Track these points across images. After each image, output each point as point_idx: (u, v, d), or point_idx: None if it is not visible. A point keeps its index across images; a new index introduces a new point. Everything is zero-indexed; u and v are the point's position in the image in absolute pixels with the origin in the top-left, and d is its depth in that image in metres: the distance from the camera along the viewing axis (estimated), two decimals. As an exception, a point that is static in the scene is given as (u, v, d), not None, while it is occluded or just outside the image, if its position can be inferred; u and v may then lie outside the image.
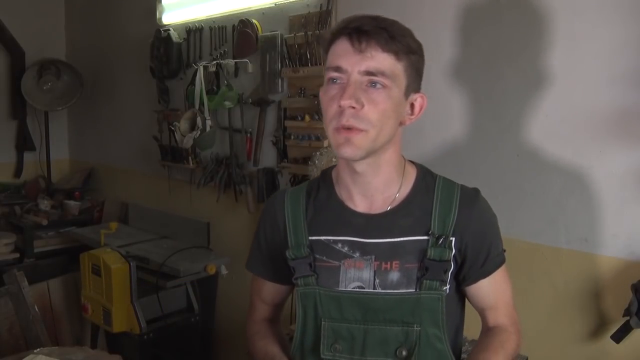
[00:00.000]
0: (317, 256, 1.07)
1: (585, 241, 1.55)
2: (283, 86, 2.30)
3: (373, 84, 0.95)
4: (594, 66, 1.50)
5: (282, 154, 2.34)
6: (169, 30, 2.77)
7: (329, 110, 0.97)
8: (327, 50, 1.00)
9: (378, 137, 0.97)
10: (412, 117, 1.03)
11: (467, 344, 1.47)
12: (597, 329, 1.55)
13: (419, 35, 1.01)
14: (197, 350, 2.58)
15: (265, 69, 2.32)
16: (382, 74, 0.94)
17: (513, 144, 1.67)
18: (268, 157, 2.43)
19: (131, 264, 2.31)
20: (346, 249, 1.05)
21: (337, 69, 0.96)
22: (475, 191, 1.08)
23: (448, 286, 1.04)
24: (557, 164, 1.59)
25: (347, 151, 0.96)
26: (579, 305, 1.58)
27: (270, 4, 2.33)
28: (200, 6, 2.65)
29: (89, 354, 1.45)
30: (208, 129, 2.47)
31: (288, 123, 2.28)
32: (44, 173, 3.70)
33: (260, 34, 2.36)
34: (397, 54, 0.95)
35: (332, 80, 0.98)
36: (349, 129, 0.95)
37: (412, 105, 1.03)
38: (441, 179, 1.09)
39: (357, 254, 1.04)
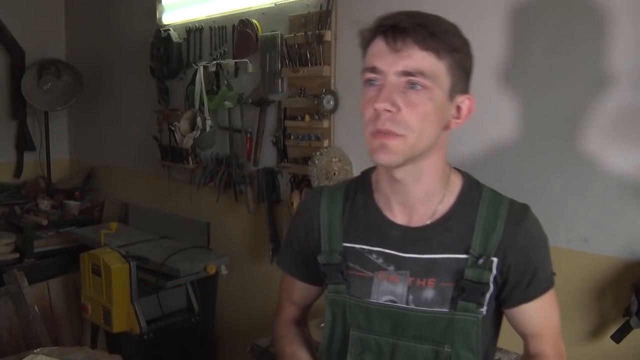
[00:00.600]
0: (350, 264, 1.02)
1: (585, 241, 1.55)
2: (283, 86, 2.30)
3: (412, 85, 0.87)
4: (594, 66, 1.50)
5: (282, 154, 2.34)
6: (169, 30, 2.77)
7: (365, 113, 0.91)
8: (365, 50, 0.94)
9: (418, 143, 0.89)
10: (459, 120, 0.95)
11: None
12: (597, 329, 1.55)
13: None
14: (197, 350, 2.58)
15: (265, 69, 2.32)
16: (421, 74, 0.87)
17: (513, 144, 1.67)
18: (268, 157, 2.43)
19: (131, 264, 2.31)
20: (381, 260, 1.00)
21: (373, 69, 0.90)
22: (524, 208, 1.00)
23: (486, 307, 0.97)
24: (557, 163, 1.59)
25: (383, 158, 0.90)
26: (579, 305, 1.58)
27: (270, 4, 2.33)
28: (200, 6, 2.65)
29: (89, 354, 1.45)
30: (208, 129, 2.47)
31: (288, 123, 2.28)
32: (44, 173, 3.70)
33: (260, 34, 2.36)
34: (437, 52, 0.87)
35: (369, 81, 0.91)
36: (385, 135, 0.88)
37: (458, 108, 0.94)
38: (488, 191, 1.01)
39: (392, 268, 0.99)
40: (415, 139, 0.89)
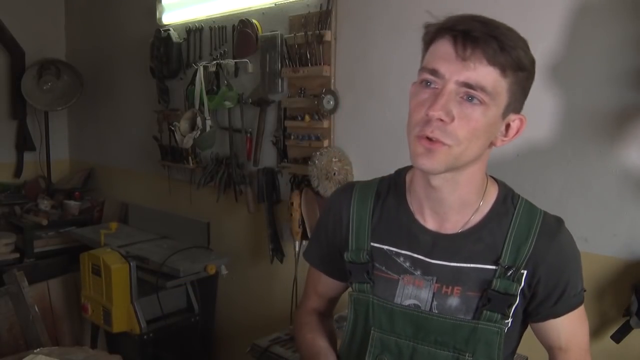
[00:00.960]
0: (377, 265, 1.02)
1: (585, 241, 1.55)
2: (283, 86, 2.30)
3: (469, 98, 0.85)
4: (594, 66, 1.50)
5: (282, 154, 2.34)
6: (169, 30, 2.77)
7: (415, 115, 0.88)
8: (427, 46, 0.91)
9: (461, 156, 0.88)
10: (506, 139, 0.94)
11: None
12: (597, 329, 1.55)
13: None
14: (197, 350, 2.58)
15: (265, 69, 2.32)
16: (482, 89, 0.84)
17: (513, 144, 1.67)
18: (268, 157, 2.43)
19: (131, 264, 2.31)
20: (408, 264, 1.00)
21: (434, 72, 0.86)
22: (558, 221, 0.98)
23: (511, 320, 0.96)
24: (557, 164, 1.59)
25: (425, 163, 0.88)
26: (579, 305, 1.57)
27: (270, 4, 2.33)
28: (200, 6, 2.65)
29: (89, 354, 1.45)
30: (208, 129, 2.47)
31: (288, 123, 2.28)
32: (44, 173, 3.70)
33: (260, 34, 2.36)
34: (503, 69, 0.85)
35: (426, 82, 0.88)
36: (431, 141, 0.86)
37: (507, 126, 0.93)
38: (523, 203, 1.00)
39: (419, 272, 0.99)
40: (460, 152, 0.88)
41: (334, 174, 2.04)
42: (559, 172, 1.59)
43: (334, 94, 2.10)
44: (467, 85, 0.84)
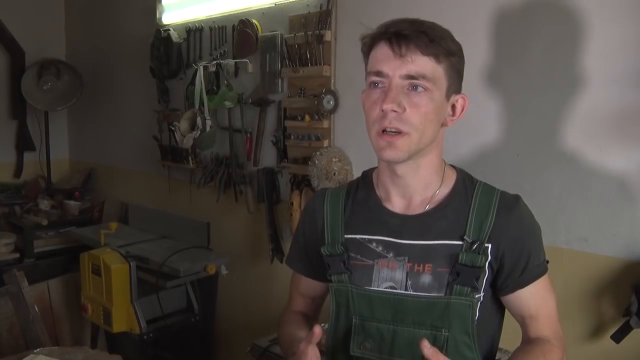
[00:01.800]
0: (352, 254, 1.08)
1: (585, 241, 1.55)
2: (283, 86, 2.30)
3: (414, 87, 0.96)
4: (593, 66, 1.50)
5: (282, 154, 2.34)
6: (169, 30, 2.77)
7: (372, 113, 0.99)
8: (367, 55, 1.02)
9: (420, 140, 0.98)
10: (454, 118, 1.05)
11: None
12: (597, 329, 1.55)
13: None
14: (197, 350, 2.58)
15: (265, 69, 2.32)
16: (424, 77, 0.96)
17: (513, 144, 1.67)
18: (268, 157, 2.43)
19: (131, 264, 2.32)
20: (380, 248, 1.06)
21: (378, 73, 0.98)
22: (516, 197, 1.07)
23: (482, 294, 1.03)
24: (557, 164, 1.59)
25: (390, 154, 0.98)
26: (579, 305, 1.58)
27: (270, 4, 2.33)
28: (200, 6, 2.65)
29: (89, 354, 1.45)
30: (208, 129, 2.47)
31: (288, 123, 2.28)
32: (44, 173, 3.70)
33: (260, 34, 2.36)
34: (437, 57, 0.96)
35: (374, 84, 1.00)
36: (391, 135, 0.97)
37: (453, 107, 1.04)
38: (481, 184, 1.08)
39: (391, 254, 1.05)
40: (418, 137, 0.98)
41: (334, 174, 2.04)
42: (559, 172, 1.59)
43: (334, 94, 2.10)
44: (410, 76, 0.96)
